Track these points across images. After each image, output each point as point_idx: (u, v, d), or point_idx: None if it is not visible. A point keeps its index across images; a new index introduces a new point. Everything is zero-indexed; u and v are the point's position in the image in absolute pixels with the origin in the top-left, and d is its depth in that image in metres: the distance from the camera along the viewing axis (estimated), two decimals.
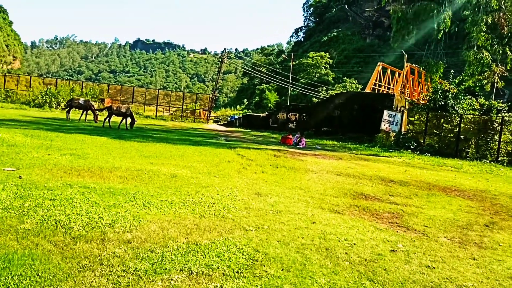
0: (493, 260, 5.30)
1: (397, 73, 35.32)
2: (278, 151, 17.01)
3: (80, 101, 26.14)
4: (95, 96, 37.14)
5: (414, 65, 34.84)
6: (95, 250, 4.31)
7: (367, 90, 31.71)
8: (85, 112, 25.83)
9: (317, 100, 64.45)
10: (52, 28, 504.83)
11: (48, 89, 35.19)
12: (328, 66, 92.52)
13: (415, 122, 26.81)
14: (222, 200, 7.05)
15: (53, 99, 34.09)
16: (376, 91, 32.45)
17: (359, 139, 27.58)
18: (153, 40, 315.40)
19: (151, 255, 4.30)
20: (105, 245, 4.48)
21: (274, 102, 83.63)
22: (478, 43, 21.30)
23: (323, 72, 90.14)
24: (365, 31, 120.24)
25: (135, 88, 46.60)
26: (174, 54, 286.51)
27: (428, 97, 27.28)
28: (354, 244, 5.39)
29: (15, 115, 23.42)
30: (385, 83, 33.86)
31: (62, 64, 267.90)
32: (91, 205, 5.91)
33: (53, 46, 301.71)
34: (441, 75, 26.92)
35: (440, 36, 20.89)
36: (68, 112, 25.63)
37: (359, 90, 62.23)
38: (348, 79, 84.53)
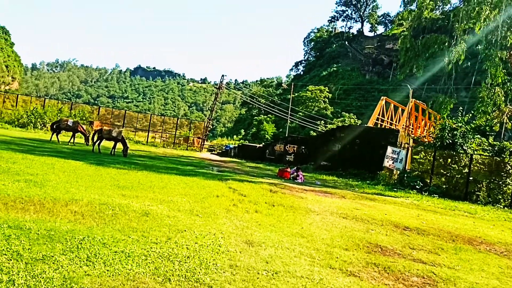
0: None
1: (400, 108, 34.04)
2: (274, 186, 15.30)
3: (68, 123, 24.43)
4: (84, 118, 35.45)
5: (418, 101, 33.59)
6: None
7: (370, 124, 30.24)
8: (74, 134, 24.17)
9: (315, 133, 63.16)
10: (54, 52, 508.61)
11: (34, 109, 33.49)
12: (327, 100, 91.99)
13: (419, 160, 25.20)
14: (201, 253, 5.30)
15: (38, 120, 32.36)
16: (379, 126, 31.02)
17: (360, 176, 25.90)
18: (154, 68, 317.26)
19: None
20: None
21: (272, 133, 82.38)
22: (495, 80, 19.89)
23: (321, 106, 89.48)
24: (364, 68, 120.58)
25: (127, 112, 45.02)
26: (174, 82, 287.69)
27: (434, 134, 25.78)
28: None
29: None
30: (388, 118, 32.49)
31: (61, 87, 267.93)
32: (9, 257, 4.15)
33: (54, 69, 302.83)
34: (449, 112, 25.52)
35: (449, 68, 19.52)
36: (55, 134, 23.80)
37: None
38: (347, 114, 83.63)
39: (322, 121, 76.82)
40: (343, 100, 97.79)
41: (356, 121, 77.09)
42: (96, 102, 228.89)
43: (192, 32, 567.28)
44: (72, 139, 23.86)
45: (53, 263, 4.16)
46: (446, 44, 20.20)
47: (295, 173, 20.50)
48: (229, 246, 5.83)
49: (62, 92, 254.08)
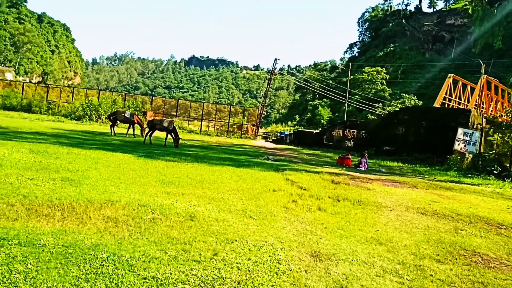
0: None
1: (469, 86, 31.19)
2: (336, 175, 13.86)
3: (126, 115, 23.91)
4: (137, 108, 35.43)
5: (491, 77, 30.57)
6: None
7: (436, 104, 27.81)
8: (131, 126, 23.84)
9: (373, 117, 60.41)
10: (112, 46, 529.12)
11: (90, 101, 33.74)
12: (384, 81, 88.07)
13: (494, 142, 22.73)
14: (255, 275, 4.09)
15: (94, 112, 32.54)
16: (446, 106, 28.50)
17: (428, 161, 23.77)
18: (207, 57, 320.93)
19: None
20: None
21: (327, 118, 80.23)
22: None
23: (379, 88, 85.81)
24: (423, 46, 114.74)
25: (181, 101, 44.67)
26: (227, 71, 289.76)
27: None
28: None
29: (44, 128, 21.61)
30: (455, 98, 29.84)
31: (120, 80, 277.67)
32: None
33: (113, 62, 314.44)
34: None
35: None
36: (112, 126, 23.41)
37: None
38: (406, 95, 79.68)
39: (380, 104, 73.60)
40: (402, 80, 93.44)
41: (417, 102, 73.24)
42: (153, 93, 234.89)
43: (244, 19, 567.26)
44: (131, 130, 23.67)
45: None
46: None
47: (360, 159, 19.00)
48: (291, 263, 4.58)
49: (121, 85, 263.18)
